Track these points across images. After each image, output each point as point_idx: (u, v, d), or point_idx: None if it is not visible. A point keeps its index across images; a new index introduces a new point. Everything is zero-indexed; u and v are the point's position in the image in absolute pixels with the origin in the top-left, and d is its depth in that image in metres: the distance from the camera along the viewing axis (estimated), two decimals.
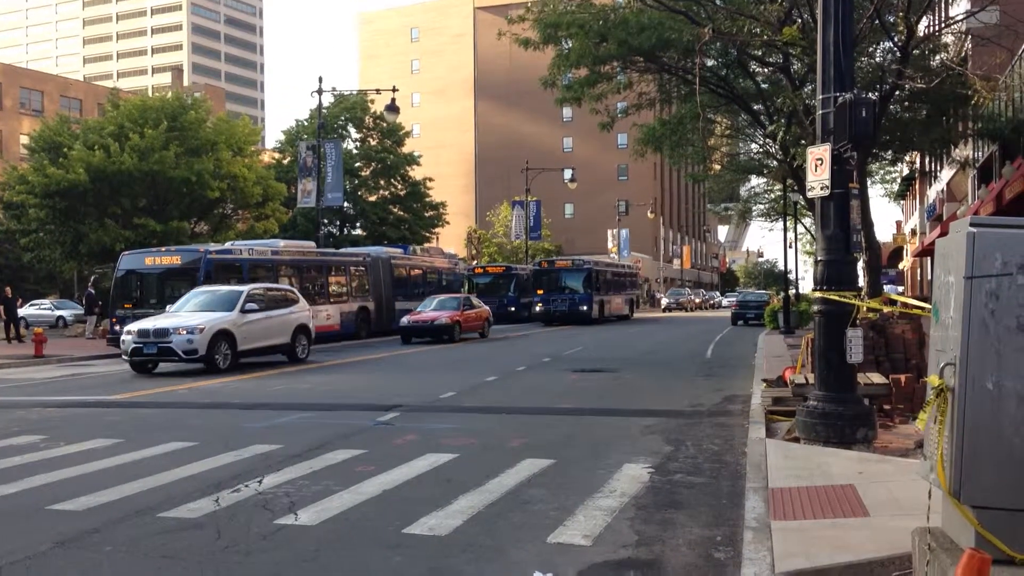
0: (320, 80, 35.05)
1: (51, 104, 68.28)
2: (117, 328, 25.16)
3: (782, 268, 46.77)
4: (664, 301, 71.45)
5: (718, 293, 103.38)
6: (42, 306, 46.80)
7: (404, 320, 29.75)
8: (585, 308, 42.29)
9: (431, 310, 30.22)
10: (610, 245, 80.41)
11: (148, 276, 25.87)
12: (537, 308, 42.50)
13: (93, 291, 35.00)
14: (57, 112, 54.40)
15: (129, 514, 7.01)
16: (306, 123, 59.44)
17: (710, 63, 21.01)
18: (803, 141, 17.21)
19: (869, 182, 40.11)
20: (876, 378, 10.82)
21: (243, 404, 13.96)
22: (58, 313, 45.11)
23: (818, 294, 9.34)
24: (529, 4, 19.84)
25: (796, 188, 26.93)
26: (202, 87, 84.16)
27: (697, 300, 77.75)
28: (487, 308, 33.12)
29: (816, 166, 9.24)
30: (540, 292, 42.76)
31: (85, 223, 37.78)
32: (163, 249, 27.08)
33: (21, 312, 36.64)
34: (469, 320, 30.46)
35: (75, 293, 52.42)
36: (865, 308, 10.15)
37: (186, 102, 42.06)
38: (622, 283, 51.34)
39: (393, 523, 6.65)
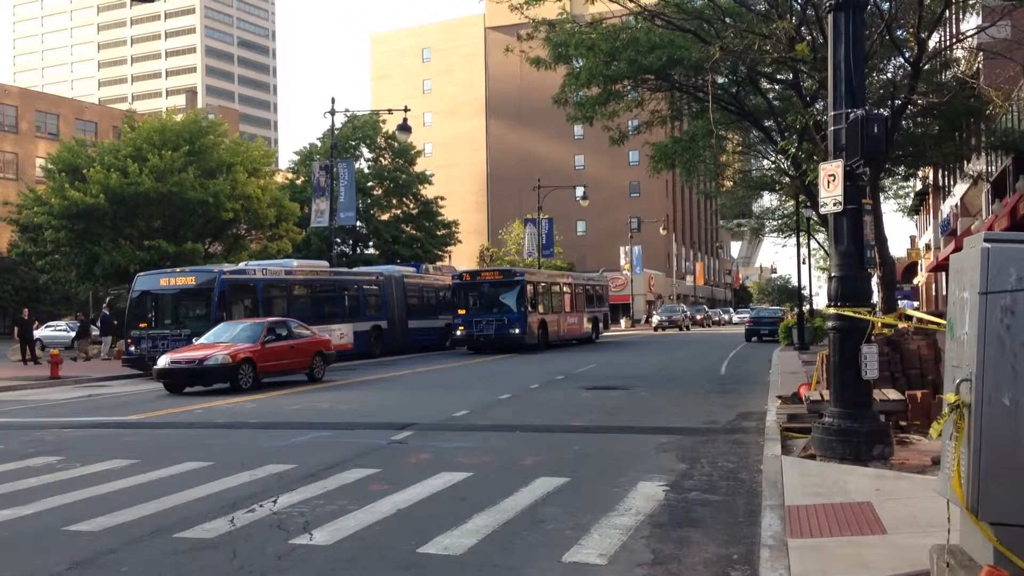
0: (333, 101, 35.34)
1: (67, 127, 68.96)
2: (132, 349, 25.33)
3: (796, 284, 46.35)
4: (656, 319, 65.12)
5: (731, 309, 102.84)
6: (57, 327, 47.04)
7: (163, 361, 20.01)
8: (518, 331, 33.07)
9: (205, 342, 20.92)
10: (622, 262, 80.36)
11: (163, 297, 26.00)
12: (459, 332, 33.90)
13: (108, 312, 35.18)
14: (73, 135, 54.94)
15: (145, 534, 7.03)
16: (319, 143, 59.81)
17: (721, 80, 21.05)
18: (815, 157, 17.18)
19: (882, 197, 40.04)
20: (892, 394, 10.76)
21: (259, 424, 14.00)
22: (73, 334, 45.30)
23: (832, 310, 9.31)
24: (537, 24, 19.93)
25: (809, 204, 26.89)
26: (216, 109, 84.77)
27: (698, 316, 71.19)
28: (325, 338, 23.46)
29: (829, 182, 9.23)
30: (462, 312, 33.97)
31: (100, 244, 38.06)
32: (178, 270, 27.22)
33: (37, 334, 36.84)
34: (276, 356, 20.55)
35: (90, 314, 52.71)
36: (880, 324, 10.11)
37: (203, 124, 42.46)
38: (580, 298, 41.27)
39: (408, 542, 6.65)
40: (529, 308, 33.79)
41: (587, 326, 41.19)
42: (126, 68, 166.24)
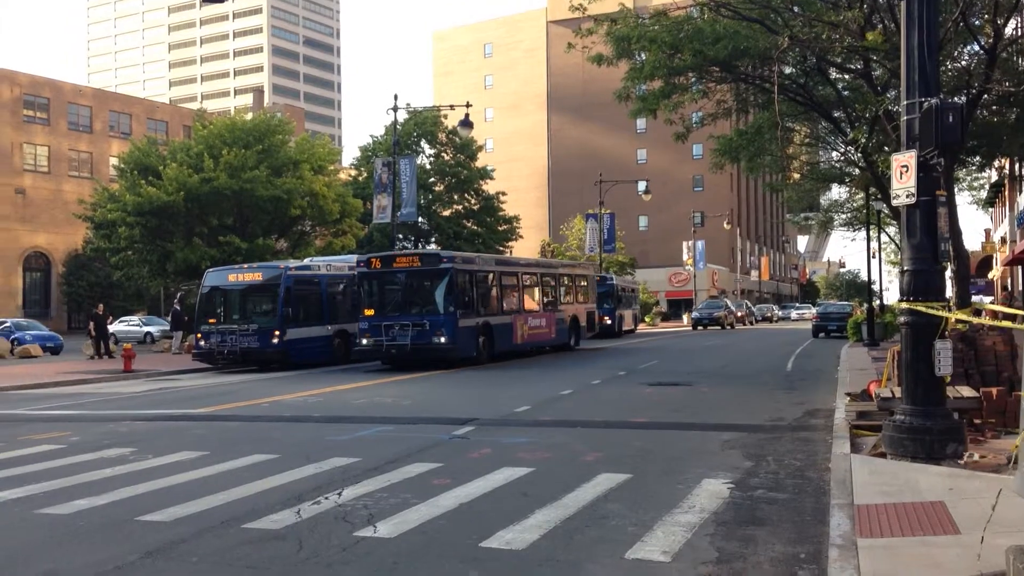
0: (395, 97, 35.55)
1: (139, 126, 70.76)
2: (202, 343, 25.90)
3: (865, 279, 45.32)
4: (693, 315, 58.46)
5: (797, 304, 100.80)
6: (131, 322, 48.38)
7: None
8: (443, 339, 23.87)
9: None
10: (685, 257, 79.56)
11: (231, 292, 26.51)
12: (364, 340, 24.74)
13: (179, 307, 36.02)
14: (144, 134, 56.38)
15: (214, 525, 7.17)
16: (381, 140, 60.39)
17: (788, 71, 20.69)
18: (887, 148, 16.79)
19: (956, 189, 38.87)
20: (966, 391, 10.46)
21: (324, 417, 14.19)
22: (146, 329, 46.57)
23: (905, 305, 9.08)
24: (598, 19, 19.78)
25: (880, 196, 26.27)
26: (282, 107, 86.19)
27: (739, 313, 61.94)
28: None
29: (901, 173, 9.00)
30: (369, 313, 24.77)
31: (173, 241, 39.00)
32: (245, 266, 27.74)
33: (110, 328, 37.92)
34: None
35: (162, 310, 54.07)
36: (954, 319, 9.83)
37: (271, 123, 43.27)
38: (552, 292, 31.66)
39: (470, 537, 6.66)
40: (462, 307, 24.47)
41: (559, 329, 30.99)
42: (195, 68, 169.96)
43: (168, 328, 38.93)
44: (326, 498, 8.04)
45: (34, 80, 68.53)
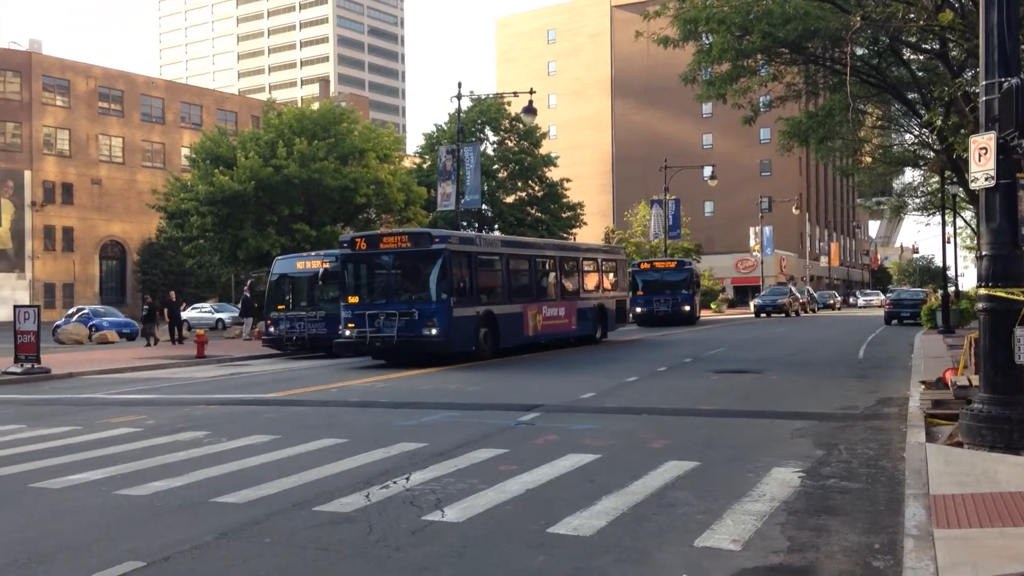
0: (459, 85, 35.58)
1: (209, 117, 72.33)
2: (271, 329, 26.39)
3: (939, 264, 44.14)
4: (755, 302, 57.63)
5: (866, 290, 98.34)
6: (202, 309, 49.55)
7: None
8: (435, 331, 20.82)
9: None
10: (752, 243, 78.44)
11: (299, 279, 26.93)
12: (348, 330, 21.86)
13: (249, 295, 36.75)
14: (215, 125, 57.57)
15: (286, 507, 7.31)
16: (445, 127, 60.63)
17: (860, 52, 20.21)
18: (963, 130, 16.29)
19: None
20: None
21: (391, 403, 14.36)
22: (217, 316, 47.64)
23: (983, 291, 8.82)
24: (664, 1, 19.53)
25: (956, 180, 25.57)
26: (348, 97, 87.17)
27: (801, 299, 59.63)
28: None
29: (980, 156, 8.73)
30: (353, 301, 21.99)
31: (244, 229, 39.81)
32: (313, 254, 28.13)
33: (183, 315, 38.88)
34: None
35: (232, 297, 55.26)
36: None
37: (337, 112, 43.82)
38: (573, 279, 28.26)
39: (537, 522, 6.68)
40: (458, 293, 21.37)
41: (582, 320, 27.87)
42: (263, 59, 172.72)
43: (238, 315, 39.75)
44: (394, 482, 8.14)
45: (108, 73, 70.48)
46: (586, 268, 29.31)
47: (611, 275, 31.15)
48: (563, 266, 27.74)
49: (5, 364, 20.63)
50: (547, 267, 26.96)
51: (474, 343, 22.02)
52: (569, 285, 27.82)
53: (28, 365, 20.53)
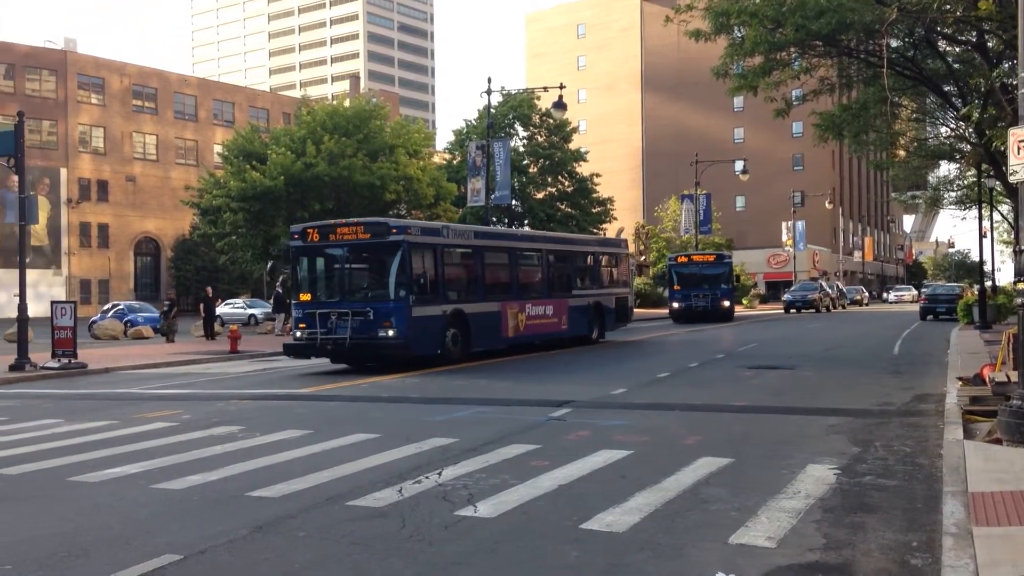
0: (489, 80, 35.59)
1: (241, 114, 72.95)
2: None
3: (976, 259, 43.50)
4: (786, 297, 56.58)
5: (898, 285, 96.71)
6: (235, 305, 49.98)
7: None
8: (392, 332, 18.79)
9: None
10: (784, 238, 77.72)
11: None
12: (299, 331, 20.19)
13: (281, 291, 36.99)
14: (247, 122, 58.03)
15: (320, 502, 7.36)
16: (475, 123, 60.62)
17: (895, 44, 19.92)
18: (1001, 123, 16.02)
19: None
20: None
21: (422, 399, 14.40)
22: (250, 311, 48.02)
23: (1021, 286, 8.68)
24: None
25: (992, 173, 25.16)
26: (378, 93, 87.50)
27: (832, 294, 59.02)
28: None
29: (1019, 148, 8.58)
30: (305, 299, 20.18)
31: (276, 225, 40.11)
32: None
33: (217, 311, 39.22)
34: None
35: (265, 292, 55.70)
36: None
37: (368, 108, 44.02)
38: (564, 274, 25.89)
39: (570, 518, 6.67)
40: (419, 291, 19.10)
41: (574, 319, 25.17)
42: (294, 56, 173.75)
43: (270, 310, 40.05)
44: (427, 477, 8.16)
45: (142, 71, 71.29)
46: (580, 262, 26.97)
47: (610, 270, 28.52)
48: (552, 260, 25.13)
49: (43, 359, 20.93)
50: (532, 261, 24.46)
51: (439, 346, 19.69)
52: (559, 281, 25.34)
53: (65, 360, 20.83)
